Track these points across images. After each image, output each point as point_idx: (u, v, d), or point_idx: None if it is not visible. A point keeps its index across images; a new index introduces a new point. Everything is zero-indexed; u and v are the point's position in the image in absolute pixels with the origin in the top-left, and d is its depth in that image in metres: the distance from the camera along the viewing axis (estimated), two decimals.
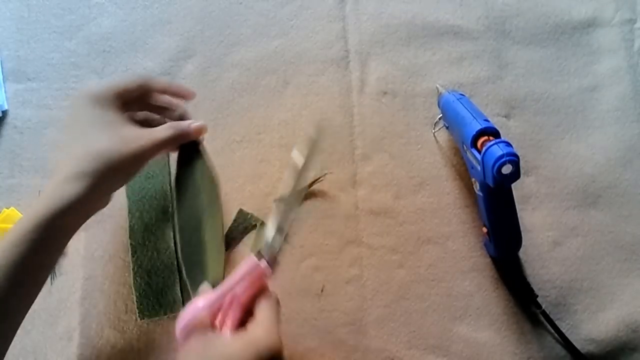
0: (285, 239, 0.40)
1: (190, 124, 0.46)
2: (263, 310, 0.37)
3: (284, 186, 0.41)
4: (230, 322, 0.37)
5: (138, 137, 0.41)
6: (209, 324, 0.37)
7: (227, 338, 0.36)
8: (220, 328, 0.37)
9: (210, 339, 0.36)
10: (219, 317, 0.38)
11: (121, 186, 0.43)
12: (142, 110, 0.47)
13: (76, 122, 0.41)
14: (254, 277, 0.38)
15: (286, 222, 0.40)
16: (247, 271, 0.38)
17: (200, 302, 0.38)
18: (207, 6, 0.58)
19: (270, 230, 0.40)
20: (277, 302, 0.39)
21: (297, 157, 0.42)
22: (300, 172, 0.42)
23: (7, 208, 0.53)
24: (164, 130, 0.44)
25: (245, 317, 0.38)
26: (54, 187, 0.38)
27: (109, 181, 0.40)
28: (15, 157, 0.54)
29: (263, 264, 0.38)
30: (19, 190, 0.53)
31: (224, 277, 0.43)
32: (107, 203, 0.43)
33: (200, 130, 0.46)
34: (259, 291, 0.38)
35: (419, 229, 0.52)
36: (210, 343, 0.35)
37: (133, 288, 0.50)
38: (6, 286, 0.35)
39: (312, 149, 0.42)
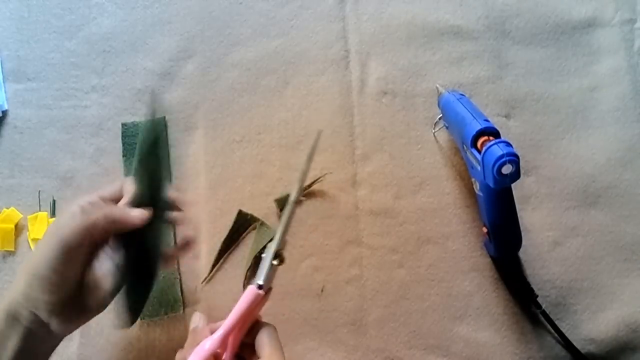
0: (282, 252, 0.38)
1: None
2: (268, 346, 0.36)
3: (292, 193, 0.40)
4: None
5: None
6: None
7: None
8: None
9: None
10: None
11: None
12: None
13: None
14: (253, 307, 0.37)
15: (286, 232, 0.39)
16: (250, 304, 0.36)
17: (207, 343, 0.35)
18: (207, 6, 0.58)
19: (272, 246, 0.38)
20: (275, 329, 0.38)
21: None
22: (301, 179, 0.41)
23: (7, 208, 0.53)
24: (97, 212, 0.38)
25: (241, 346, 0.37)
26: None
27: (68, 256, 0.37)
28: (15, 157, 0.54)
29: (262, 291, 0.37)
30: (19, 190, 0.54)
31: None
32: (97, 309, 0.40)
33: (142, 219, 0.40)
34: (254, 319, 0.38)
35: (419, 229, 0.52)
36: None
37: None
38: None
39: (311, 156, 0.42)
